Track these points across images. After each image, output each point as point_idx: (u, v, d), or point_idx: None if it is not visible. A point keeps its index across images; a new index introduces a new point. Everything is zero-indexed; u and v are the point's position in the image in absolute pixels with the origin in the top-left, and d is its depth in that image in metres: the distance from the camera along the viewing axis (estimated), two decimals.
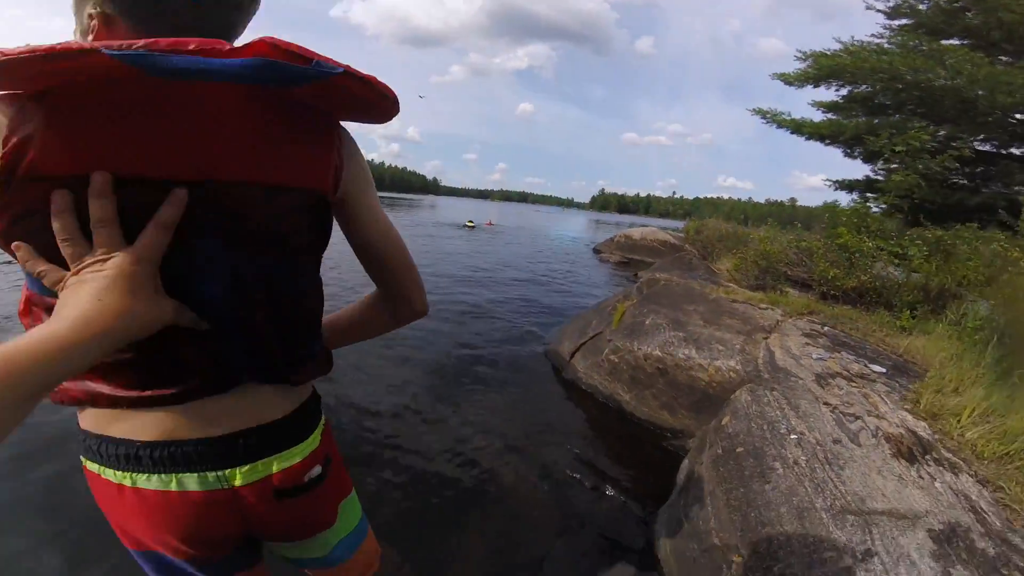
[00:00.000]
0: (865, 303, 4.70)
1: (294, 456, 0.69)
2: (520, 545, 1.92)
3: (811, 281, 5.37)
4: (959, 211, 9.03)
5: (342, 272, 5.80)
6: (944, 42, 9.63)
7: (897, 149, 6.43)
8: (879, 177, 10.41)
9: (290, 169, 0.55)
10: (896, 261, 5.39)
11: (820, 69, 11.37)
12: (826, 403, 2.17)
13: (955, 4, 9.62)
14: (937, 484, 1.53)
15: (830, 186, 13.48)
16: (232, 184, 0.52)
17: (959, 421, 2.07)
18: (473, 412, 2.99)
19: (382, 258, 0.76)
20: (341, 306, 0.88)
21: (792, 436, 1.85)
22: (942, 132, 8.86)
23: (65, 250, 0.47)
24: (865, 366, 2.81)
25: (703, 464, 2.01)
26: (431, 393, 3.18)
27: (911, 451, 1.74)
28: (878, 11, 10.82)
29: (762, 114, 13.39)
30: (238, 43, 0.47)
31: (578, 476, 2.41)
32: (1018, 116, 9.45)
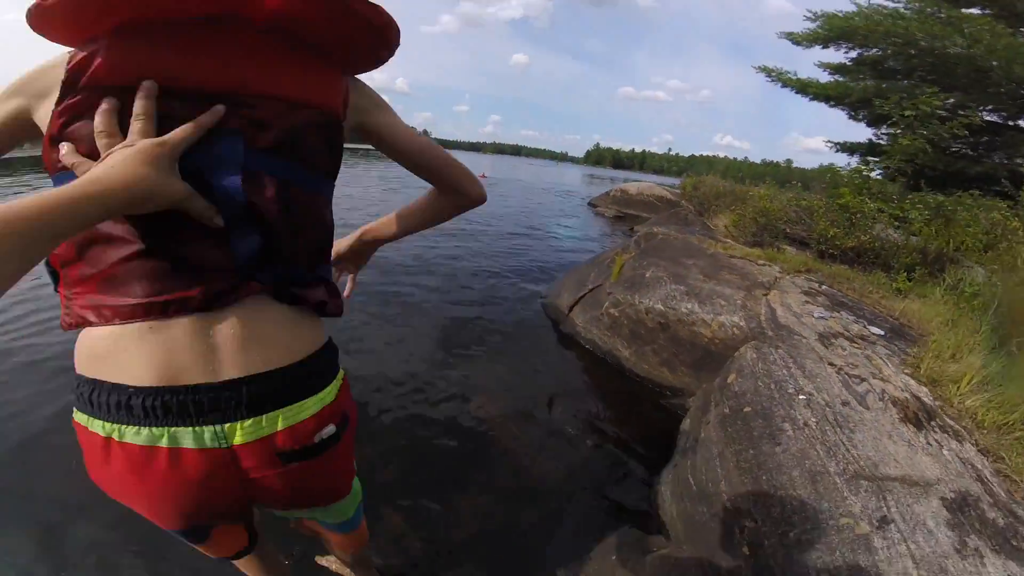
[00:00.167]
0: (862, 263, 4.69)
1: (305, 410, 0.62)
2: (522, 507, 1.89)
3: (809, 239, 5.35)
4: (960, 179, 9.01)
5: None
6: (964, 11, 9.33)
7: (907, 113, 6.28)
8: (882, 141, 10.29)
9: (307, 89, 0.62)
10: (896, 224, 5.36)
11: (831, 30, 11.26)
12: (831, 363, 2.14)
13: None
14: (945, 452, 1.51)
15: (831, 148, 13.36)
16: (258, 96, 0.58)
17: (958, 388, 2.06)
18: (471, 370, 2.91)
19: (421, 163, 0.82)
20: None
21: (800, 396, 1.81)
22: (951, 100, 8.72)
23: (100, 141, 0.52)
24: (864, 327, 2.78)
25: (710, 424, 1.95)
26: (427, 352, 3.08)
27: (917, 416, 1.71)
28: None
29: (767, 72, 13.08)
30: None
31: (579, 434, 2.38)
32: None
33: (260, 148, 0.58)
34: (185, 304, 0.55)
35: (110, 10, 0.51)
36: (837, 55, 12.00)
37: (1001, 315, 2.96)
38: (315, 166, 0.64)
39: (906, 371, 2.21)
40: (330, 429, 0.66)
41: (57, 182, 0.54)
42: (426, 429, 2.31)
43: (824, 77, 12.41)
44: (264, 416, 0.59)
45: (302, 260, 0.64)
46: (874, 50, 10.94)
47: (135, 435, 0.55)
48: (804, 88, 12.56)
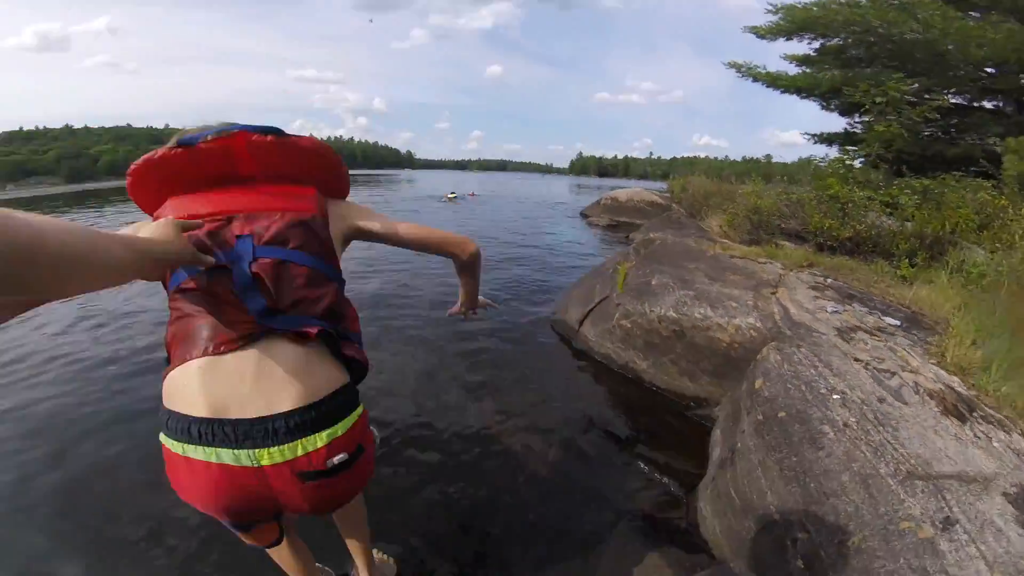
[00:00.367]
0: (862, 253, 4.70)
1: (320, 440, 0.81)
2: (556, 537, 1.81)
3: (805, 233, 5.36)
4: (938, 162, 9.15)
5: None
6: None
7: (877, 100, 6.40)
8: (858, 129, 10.45)
9: (287, 203, 0.93)
10: (888, 211, 5.39)
11: (792, 21, 11.39)
12: (856, 359, 2.10)
13: None
14: (995, 443, 1.47)
15: (809, 140, 13.51)
16: (256, 213, 0.90)
17: (990, 376, 2.02)
18: (484, 393, 2.83)
19: (419, 245, 1.10)
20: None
21: (834, 396, 1.76)
22: (915, 84, 8.93)
23: None
24: (880, 318, 2.76)
25: (745, 433, 1.87)
26: (436, 377, 3.00)
27: (957, 408, 1.68)
28: None
29: (737, 68, 13.22)
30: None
31: (606, 454, 2.31)
32: (988, 70, 9.56)
33: (264, 243, 0.87)
34: (227, 342, 0.80)
35: (159, 194, 0.93)
36: (801, 46, 12.11)
37: (1013, 294, 2.95)
38: (306, 249, 0.90)
39: (932, 361, 2.18)
40: (342, 456, 0.84)
41: None
42: (442, 457, 2.23)
43: (792, 69, 12.52)
44: (286, 445, 0.78)
45: (312, 311, 0.87)
46: (835, 39, 11.08)
47: (194, 451, 0.77)
48: (774, 82, 12.65)
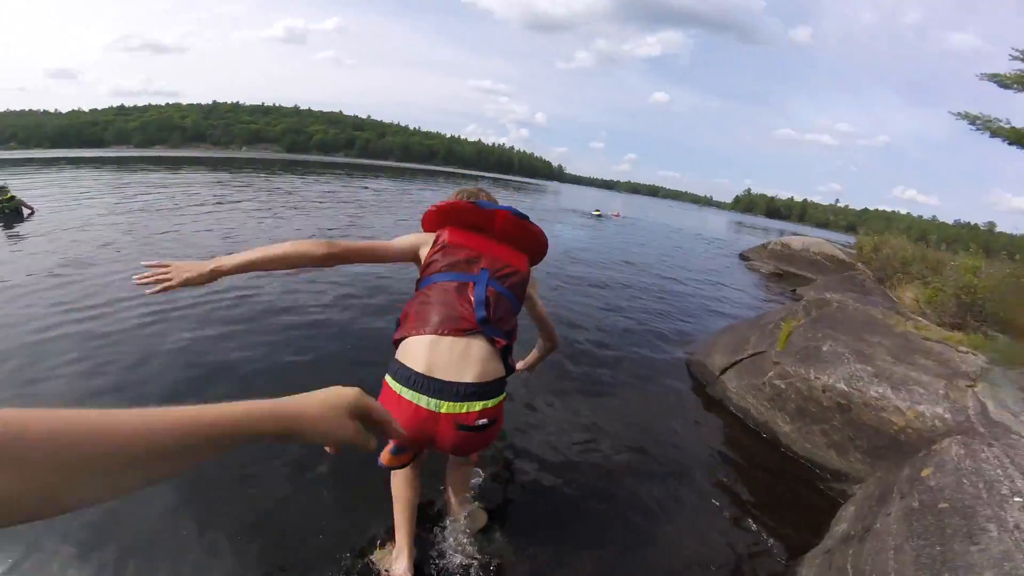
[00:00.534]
0: None
1: (477, 406, 1.20)
2: (642, 564, 1.82)
3: None
4: None
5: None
6: None
7: None
8: None
9: (514, 260, 1.42)
10: None
11: None
12: None
13: None
14: None
15: None
16: (494, 258, 1.38)
17: None
18: (601, 416, 2.84)
19: (540, 321, 1.71)
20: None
21: (1016, 499, 1.56)
22: None
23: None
24: None
25: (890, 516, 1.76)
26: (553, 391, 3.04)
27: None
28: None
29: (971, 119, 10.78)
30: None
31: (716, 503, 2.24)
32: None
33: (495, 278, 1.33)
34: (452, 327, 1.22)
35: (443, 223, 1.44)
36: None
37: None
38: (514, 292, 1.37)
39: None
40: (484, 421, 1.22)
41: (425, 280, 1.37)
42: (546, 467, 2.29)
43: None
44: (458, 403, 1.18)
45: (503, 328, 1.30)
46: None
47: (407, 394, 1.17)
48: (1021, 139, 10.16)
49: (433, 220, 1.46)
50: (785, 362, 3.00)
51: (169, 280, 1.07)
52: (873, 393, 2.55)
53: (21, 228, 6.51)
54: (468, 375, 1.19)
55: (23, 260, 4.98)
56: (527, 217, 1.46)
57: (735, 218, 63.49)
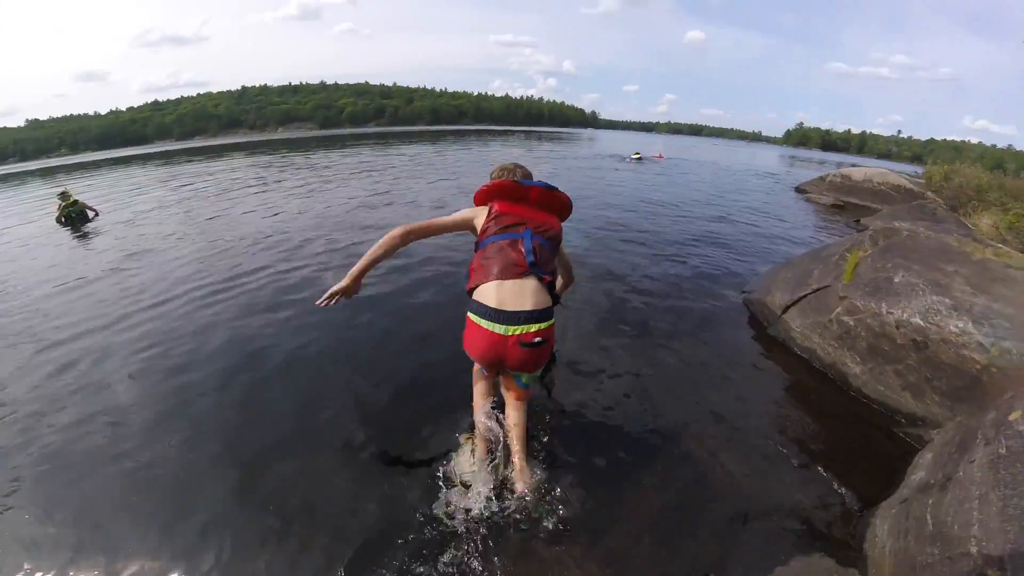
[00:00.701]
0: None
1: (531, 328, 1.59)
2: (701, 514, 1.79)
3: None
4: None
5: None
6: None
7: None
8: None
9: (550, 221, 1.84)
10: None
11: None
12: None
13: None
14: None
15: None
16: (534, 219, 1.81)
17: None
18: (655, 365, 2.80)
19: (564, 266, 2.21)
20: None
21: None
22: None
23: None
24: None
25: (974, 463, 1.62)
26: (608, 339, 3.03)
27: None
28: None
29: None
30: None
31: (779, 449, 2.15)
32: None
33: (537, 234, 1.74)
34: (512, 273, 1.62)
35: (492, 198, 1.85)
36: None
37: None
38: (551, 242, 1.78)
39: None
40: (540, 340, 1.61)
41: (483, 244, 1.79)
42: (603, 416, 2.29)
43: None
44: (521, 326, 1.57)
45: (547, 269, 1.70)
46: None
47: (484, 324, 1.58)
48: None
49: (483, 196, 1.87)
50: (853, 296, 2.79)
51: (335, 301, 1.76)
52: (952, 328, 2.33)
53: (88, 229, 7.01)
54: (527, 305, 1.61)
55: (95, 258, 5.40)
56: (556, 188, 1.88)
57: (787, 152, 58.72)
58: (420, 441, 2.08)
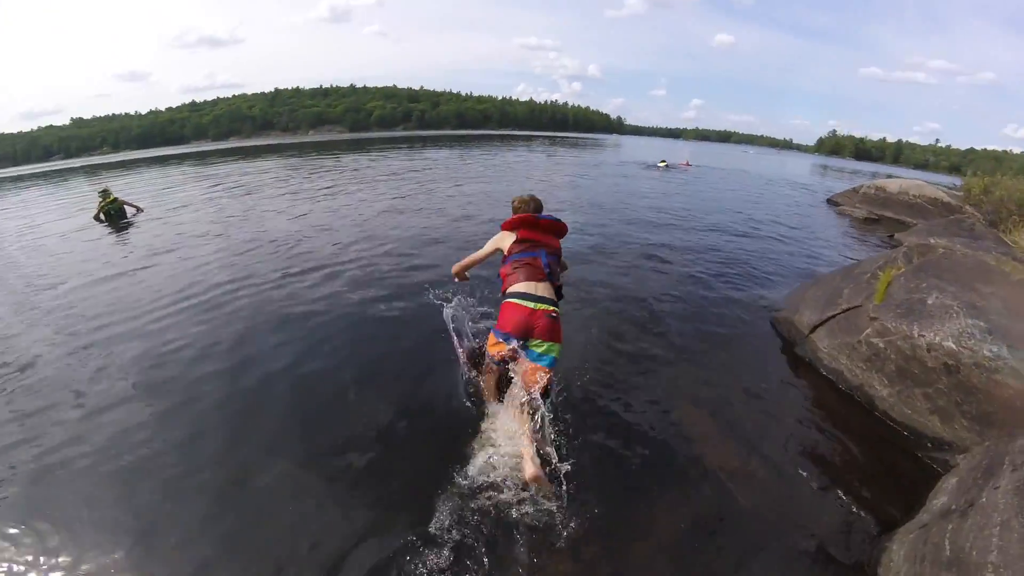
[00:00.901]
0: None
1: (550, 308, 2.21)
2: (719, 535, 1.80)
3: None
4: None
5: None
6: None
7: None
8: None
9: (555, 243, 2.51)
10: None
11: None
12: None
13: None
14: None
15: None
16: (547, 244, 2.46)
17: None
18: (679, 379, 2.83)
19: (564, 267, 2.65)
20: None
21: None
22: None
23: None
24: None
25: (999, 490, 1.62)
26: (633, 356, 3.04)
27: None
28: None
29: None
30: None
31: (801, 470, 2.16)
32: None
33: (548, 254, 2.41)
34: (535, 278, 2.27)
35: (517, 227, 2.48)
36: None
37: None
38: (554, 257, 2.45)
39: None
40: (555, 315, 2.20)
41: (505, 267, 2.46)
42: (625, 429, 2.32)
43: None
44: (544, 305, 2.20)
45: (555, 277, 2.39)
46: None
47: (519, 300, 2.20)
48: None
49: (510, 225, 2.49)
50: (884, 317, 2.76)
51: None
52: (986, 352, 2.30)
53: (127, 226, 7.36)
54: (546, 296, 2.23)
55: (126, 254, 5.70)
56: (558, 219, 2.52)
57: (819, 161, 57.12)
58: (417, 451, 2.19)
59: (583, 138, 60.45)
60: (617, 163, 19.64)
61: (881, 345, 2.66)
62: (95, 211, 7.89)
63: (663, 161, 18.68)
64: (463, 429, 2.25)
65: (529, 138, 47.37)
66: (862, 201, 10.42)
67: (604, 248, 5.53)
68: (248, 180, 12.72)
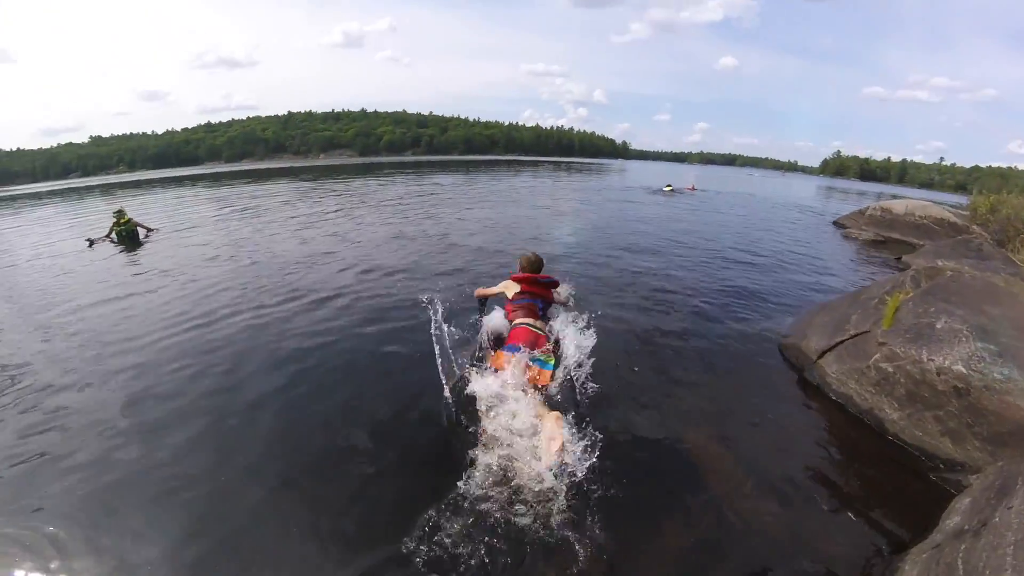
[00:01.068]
0: None
1: (542, 330, 2.96)
2: (727, 557, 1.79)
3: None
4: None
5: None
6: None
7: None
8: None
9: (547, 294, 3.26)
10: None
11: None
12: None
13: None
14: None
15: None
16: (540, 295, 3.20)
17: None
18: (689, 403, 2.83)
19: (561, 302, 3.56)
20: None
21: None
22: None
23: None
24: None
25: (1012, 510, 1.62)
26: (641, 382, 3.06)
27: None
28: None
29: None
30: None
31: (812, 494, 2.15)
32: None
33: (542, 302, 3.17)
34: (533, 316, 3.03)
35: (521, 281, 3.21)
36: None
37: None
38: (547, 302, 3.22)
39: None
40: (548, 338, 2.93)
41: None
42: (633, 451, 2.32)
43: None
44: (541, 332, 2.94)
45: (546, 317, 3.19)
46: None
47: (525, 323, 3.00)
48: None
49: (517, 279, 3.16)
50: (893, 342, 2.77)
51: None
52: (997, 375, 2.30)
53: (138, 248, 7.51)
54: (541, 326, 2.90)
55: (136, 274, 5.83)
56: (554, 279, 3.29)
57: (824, 183, 57.24)
58: (403, 474, 2.22)
59: (589, 163, 61.15)
60: (622, 188, 19.72)
61: (890, 370, 2.66)
62: (107, 231, 8.05)
63: (668, 185, 18.74)
64: (448, 456, 2.27)
65: (535, 163, 48.10)
66: (868, 223, 10.45)
67: (608, 275, 5.55)
68: (258, 203, 12.98)
